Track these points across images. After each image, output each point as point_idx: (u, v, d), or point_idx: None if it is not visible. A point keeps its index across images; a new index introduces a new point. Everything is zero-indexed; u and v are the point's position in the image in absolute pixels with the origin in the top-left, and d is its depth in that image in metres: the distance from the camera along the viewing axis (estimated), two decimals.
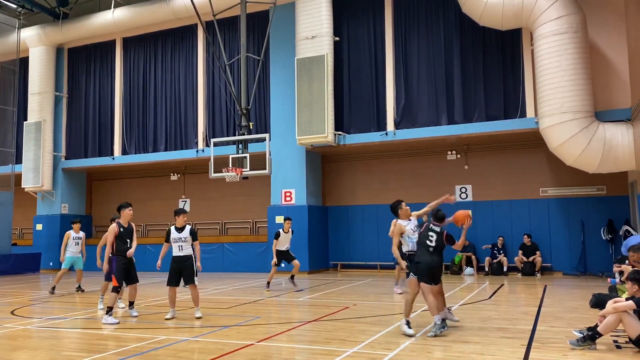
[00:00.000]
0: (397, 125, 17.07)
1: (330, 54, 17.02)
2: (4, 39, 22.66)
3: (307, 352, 6.63)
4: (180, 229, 9.04)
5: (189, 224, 9.28)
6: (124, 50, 21.74)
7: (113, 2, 20.62)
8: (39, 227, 22.32)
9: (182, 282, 9.04)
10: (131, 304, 9.40)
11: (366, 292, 12.67)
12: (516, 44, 16.05)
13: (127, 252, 9.02)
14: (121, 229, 9.05)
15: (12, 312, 10.19)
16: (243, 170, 15.88)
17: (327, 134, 16.61)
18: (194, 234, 9.06)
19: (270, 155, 16.11)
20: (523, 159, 17.07)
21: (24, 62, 22.90)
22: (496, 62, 16.26)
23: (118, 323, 8.53)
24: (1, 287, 15.42)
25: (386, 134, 16.99)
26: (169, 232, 9.08)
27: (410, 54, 17.27)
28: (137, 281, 9.32)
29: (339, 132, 17.29)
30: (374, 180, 18.89)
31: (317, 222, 18.39)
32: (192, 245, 9.04)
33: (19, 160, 22.37)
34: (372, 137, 17.19)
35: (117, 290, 8.82)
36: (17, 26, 22.25)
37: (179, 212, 9.23)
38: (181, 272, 8.92)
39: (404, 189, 18.36)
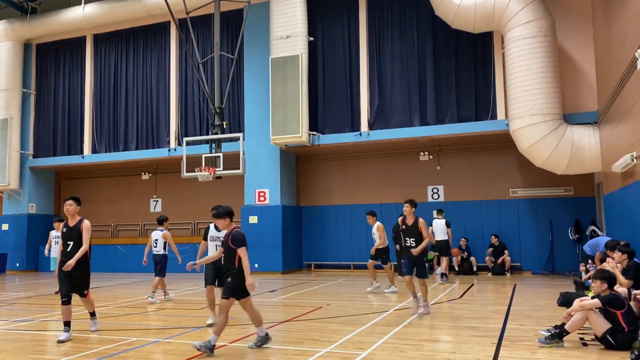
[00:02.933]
0: (371, 126, 17.18)
1: (305, 54, 17.02)
2: None
3: (280, 352, 6.62)
4: (219, 228, 8.17)
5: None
6: (94, 47, 21.34)
7: None
8: (5, 227, 21.73)
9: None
10: (91, 315, 7.93)
11: (339, 292, 12.72)
12: (487, 47, 16.32)
13: (66, 264, 7.34)
14: (64, 229, 7.63)
15: None
16: (216, 169, 15.77)
17: (301, 134, 16.60)
18: None
19: (244, 155, 16.05)
20: (493, 160, 17.37)
21: None
22: (468, 65, 16.50)
23: (64, 341, 7.12)
24: None
25: (360, 134, 17.08)
26: (207, 230, 8.39)
27: (384, 55, 17.39)
28: (82, 292, 7.50)
29: (313, 132, 17.30)
30: (348, 180, 18.96)
31: (291, 222, 18.36)
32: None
33: None
34: (346, 138, 17.26)
35: (63, 302, 7.30)
36: None
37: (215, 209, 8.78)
38: (217, 273, 8.12)
39: (377, 190, 18.49)
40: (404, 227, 9.03)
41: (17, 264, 21.09)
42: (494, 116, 15.97)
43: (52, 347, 7.08)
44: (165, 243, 11.23)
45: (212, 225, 8.33)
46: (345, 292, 12.57)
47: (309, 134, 17.09)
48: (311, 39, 17.46)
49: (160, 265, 11.16)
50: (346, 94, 17.66)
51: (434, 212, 15.30)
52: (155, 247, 11.28)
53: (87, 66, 21.27)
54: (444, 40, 16.66)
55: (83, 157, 20.81)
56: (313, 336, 7.30)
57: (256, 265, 17.62)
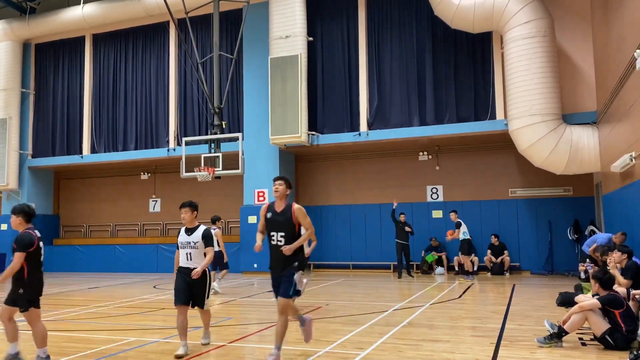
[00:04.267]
0: (370, 126, 17.18)
1: (304, 54, 17.02)
2: None
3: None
4: (190, 231, 6.60)
5: (205, 225, 6.86)
6: (93, 47, 21.32)
7: None
8: (4, 227, 21.69)
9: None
10: None
11: (338, 291, 12.71)
12: (487, 47, 16.33)
13: None
14: None
15: None
16: (215, 169, 15.76)
17: (300, 134, 16.60)
18: (207, 239, 6.51)
19: (243, 154, 16.04)
20: (492, 160, 17.38)
21: None
22: (467, 65, 16.51)
23: None
24: None
25: (359, 134, 17.08)
26: (178, 235, 6.76)
27: (383, 55, 17.40)
28: None
29: (313, 132, 17.30)
30: (347, 180, 18.96)
31: None
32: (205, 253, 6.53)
33: None
34: (346, 138, 17.26)
35: None
36: None
37: (181, 205, 6.75)
38: (191, 288, 6.45)
39: (376, 189, 18.50)
40: (269, 214, 6.03)
41: None
42: (493, 116, 15.98)
43: (53, 346, 7.07)
44: (217, 241, 11.65)
45: (182, 229, 6.70)
46: (344, 292, 12.57)
47: (308, 134, 17.09)
48: (310, 39, 17.46)
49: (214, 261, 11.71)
50: (345, 94, 17.67)
51: (452, 214, 15.12)
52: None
53: (86, 66, 21.25)
54: (443, 40, 16.67)
55: (82, 157, 20.79)
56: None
57: (255, 265, 17.63)
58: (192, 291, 6.45)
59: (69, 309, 10.49)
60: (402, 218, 15.90)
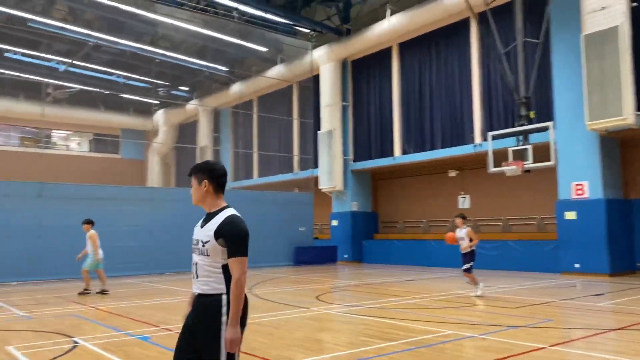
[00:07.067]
0: None
1: (626, 23, 14.69)
2: (300, 60, 26.09)
3: None
4: (206, 219, 3.32)
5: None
6: (400, 55, 22.77)
7: (389, 11, 21.76)
8: (335, 222, 25.00)
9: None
10: None
11: None
12: None
13: None
14: None
15: (317, 297, 11.64)
16: (524, 163, 14.98)
17: (625, 116, 14.37)
18: (227, 239, 3.19)
19: (555, 145, 14.81)
20: None
21: (315, 79, 25.93)
22: None
23: None
24: (306, 275, 17.79)
25: None
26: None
27: None
28: None
29: None
30: None
31: (618, 218, 16.05)
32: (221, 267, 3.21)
33: (316, 165, 25.48)
34: None
35: None
36: (309, 48, 25.38)
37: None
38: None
39: None
40: None
41: (345, 256, 24.01)
42: None
43: (377, 331, 7.77)
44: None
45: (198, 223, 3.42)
46: None
47: (636, 115, 14.66)
48: (635, 4, 14.96)
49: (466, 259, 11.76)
50: None
51: None
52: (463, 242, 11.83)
53: (394, 74, 22.82)
54: None
55: (394, 159, 22.41)
56: None
57: (577, 265, 16.02)
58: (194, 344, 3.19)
59: (391, 298, 11.38)
60: None
